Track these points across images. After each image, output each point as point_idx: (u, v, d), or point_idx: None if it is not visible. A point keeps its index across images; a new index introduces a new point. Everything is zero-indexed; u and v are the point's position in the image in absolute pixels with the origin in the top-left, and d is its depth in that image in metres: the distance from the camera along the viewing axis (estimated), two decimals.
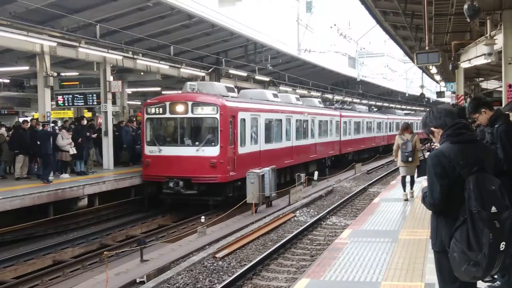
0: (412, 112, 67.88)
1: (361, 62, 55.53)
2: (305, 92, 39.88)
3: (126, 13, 20.31)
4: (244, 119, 19.88)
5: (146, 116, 19.52)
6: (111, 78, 22.73)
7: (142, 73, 26.14)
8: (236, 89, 22.61)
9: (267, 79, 33.50)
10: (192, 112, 18.66)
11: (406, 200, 14.91)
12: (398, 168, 15.84)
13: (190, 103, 18.67)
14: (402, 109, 68.88)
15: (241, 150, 19.52)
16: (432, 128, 4.59)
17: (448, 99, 38.77)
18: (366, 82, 52.22)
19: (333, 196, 21.74)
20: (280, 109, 24.60)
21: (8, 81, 28.71)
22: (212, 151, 18.27)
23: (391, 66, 62.45)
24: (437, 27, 17.50)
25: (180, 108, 18.80)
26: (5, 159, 19.24)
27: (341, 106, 39.80)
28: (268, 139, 22.49)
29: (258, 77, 31.79)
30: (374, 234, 11.05)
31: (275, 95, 25.46)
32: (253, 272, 10.89)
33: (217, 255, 12.02)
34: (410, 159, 14.07)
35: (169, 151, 18.82)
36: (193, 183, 18.24)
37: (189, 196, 18.43)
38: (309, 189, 23.07)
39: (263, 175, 17.82)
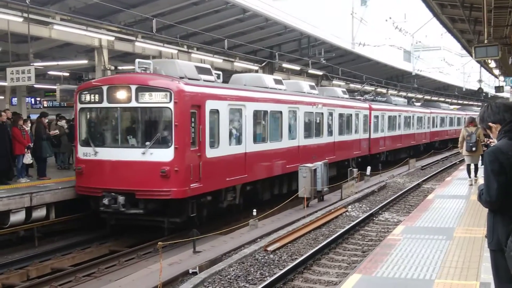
0: (459, 106, 64.73)
1: (416, 55, 54.49)
2: (358, 86, 39.43)
3: (181, 8, 20.60)
4: (216, 111, 15.01)
5: (79, 106, 14.70)
6: None
7: None
8: (220, 73, 17.61)
9: (320, 73, 33.34)
10: (137, 100, 13.77)
11: (471, 185, 16.99)
12: (453, 164, 16.61)
13: (134, 88, 13.77)
14: (459, 104, 67.25)
15: (212, 153, 14.69)
16: (490, 124, 4.49)
17: (507, 94, 37.73)
18: (421, 76, 51.23)
19: (386, 191, 21.49)
20: (280, 98, 19.22)
21: (67, 74, 29.56)
22: (164, 155, 13.50)
23: (447, 59, 61.07)
24: (497, 20, 16.99)
25: (121, 94, 13.99)
26: (63, 151, 19.84)
27: (372, 97, 34.42)
28: (258, 138, 17.58)
29: (311, 71, 31.67)
30: (428, 231, 10.89)
31: (277, 81, 20.27)
32: (304, 266, 10.92)
33: (268, 248, 12.08)
34: (473, 149, 16.25)
35: (107, 154, 14.11)
36: (137, 199, 13.72)
37: (136, 217, 14.02)
38: (361, 184, 22.88)
39: (315, 169, 17.77)
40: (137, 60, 14.98)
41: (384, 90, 44.16)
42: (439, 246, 9.56)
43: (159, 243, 10.49)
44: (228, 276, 10.30)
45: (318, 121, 22.49)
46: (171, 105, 13.48)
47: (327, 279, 10.28)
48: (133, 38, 19.67)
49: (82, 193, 14.46)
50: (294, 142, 20.00)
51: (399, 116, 34.97)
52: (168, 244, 12.83)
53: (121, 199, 13.48)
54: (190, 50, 23.12)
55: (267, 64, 28.81)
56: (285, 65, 29.32)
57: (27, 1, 14.79)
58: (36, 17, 16.10)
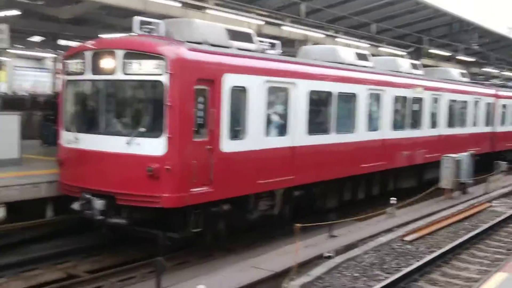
0: None
1: None
2: (511, 74, 37.07)
3: None
4: (243, 88, 11.18)
5: (65, 78, 11.45)
6: None
7: None
8: (277, 42, 13.70)
9: (470, 59, 31.79)
10: (123, 71, 10.23)
11: None
12: None
13: (121, 53, 10.25)
14: None
15: (233, 146, 10.93)
16: None
17: None
18: None
19: None
20: (353, 76, 14.96)
21: None
22: (153, 147, 9.94)
23: None
24: None
25: (105, 63, 10.50)
26: None
27: (502, 82, 28.74)
28: (317, 128, 13.47)
29: (460, 57, 30.31)
30: None
31: (360, 56, 16.12)
32: (442, 259, 10.70)
33: (405, 238, 11.97)
34: None
35: (87, 142, 10.69)
36: (118, 204, 10.24)
37: (120, 226, 10.53)
38: (509, 179, 21.68)
39: (459, 160, 17.14)
40: (136, 18, 10.95)
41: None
42: None
43: (296, 225, 10.69)
44: (363, 263, 10.37)
45: (416, 109, 18.09)
46: (164, 78, 9.84)
47: (467, 275, 9.98)
48: (282, 22, 20.04)
49: (64, 192, 11.21)
50: (375, 135, 15.89)
51: None
52: (304, 227, 13.05)
53: (98, 203, 10.14)
54: (336, 35, 23.15)
55: (415, 49, 28.02)
56: (432, 50, 28.34)
57: None
58: (192, 2, 17.00)
